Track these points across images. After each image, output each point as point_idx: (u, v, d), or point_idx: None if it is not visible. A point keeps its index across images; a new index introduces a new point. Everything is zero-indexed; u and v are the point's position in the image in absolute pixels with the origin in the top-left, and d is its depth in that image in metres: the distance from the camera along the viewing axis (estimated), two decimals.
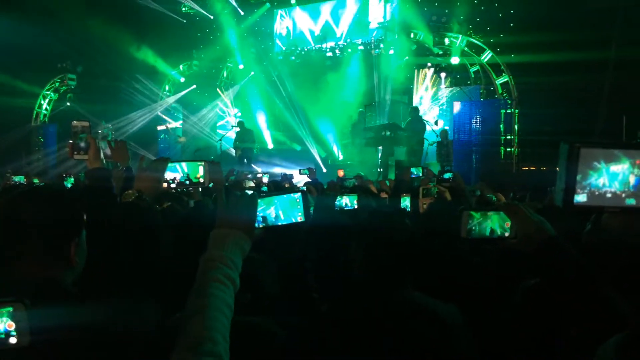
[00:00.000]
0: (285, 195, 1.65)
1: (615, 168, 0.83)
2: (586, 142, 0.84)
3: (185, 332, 1.18)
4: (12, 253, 1.36)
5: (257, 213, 1.55)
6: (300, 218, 1.63)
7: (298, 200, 1.64)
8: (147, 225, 2.00)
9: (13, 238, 1.37)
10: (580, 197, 0.86)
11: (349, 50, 17.66)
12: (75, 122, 2.62)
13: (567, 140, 0.85)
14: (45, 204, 1.42)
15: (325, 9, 18.19)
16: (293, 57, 18.62)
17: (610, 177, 0.84)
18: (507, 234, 1.64)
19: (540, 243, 1.41)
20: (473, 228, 1.69)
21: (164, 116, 18.54)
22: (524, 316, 1.87)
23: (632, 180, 0.84)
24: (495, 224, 1.67)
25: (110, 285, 1.69)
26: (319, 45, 18.51)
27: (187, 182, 2.40)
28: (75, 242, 1.44)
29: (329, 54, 18.41)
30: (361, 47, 17.58)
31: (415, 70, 16.33)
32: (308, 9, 18.45)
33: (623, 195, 0.85)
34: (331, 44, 18.45)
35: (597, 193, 0.85)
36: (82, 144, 2.60)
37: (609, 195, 0.85)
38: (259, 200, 1.55)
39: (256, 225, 1.53)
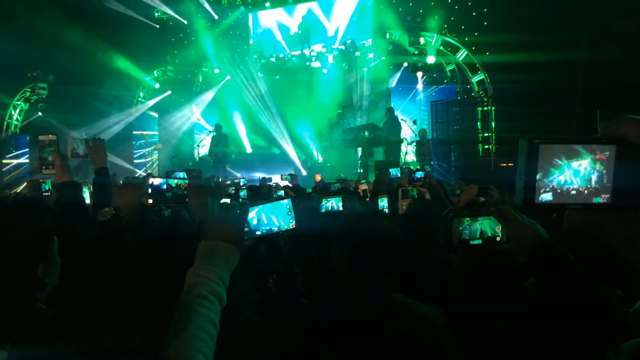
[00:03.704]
0: (274, 203, 1.61)
1: (576, 164, 0.82)
2: (545, 139, 0.81)
3: (166, 351, 1.13)
4: None
5: (247, 223, 1.50)
6: (292, 225, 1.61)
7: (288, 207, 1.61)
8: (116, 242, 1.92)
9: None
10: (547, 196, 0.84)
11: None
12: (42, 136, 2.59)
13: (526, 137, 0.82)
14: (5, 224, 1.34)
15: None
16: (260, 74, 17.64)
17: (573, 173, 0.82)
18: (498, 238, 1.61)
19: (533, 247, 1.38)
20: (463, 231, 1.66)
21: (142, 132, 18.28)
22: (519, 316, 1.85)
23: (594, 176, 0.82)
24: (485, 226, 1.64)
25: (83, 303, 1.62)
26: (298, 52, 16.93)
27: (165, 186, 2.35)
28: (42, 263, 1.36)
29: (316, 63, 16.62)
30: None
31: None
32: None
33: (586, 192, 0.83)
34: (317, 47, 16.58)
35: (559, 191, 0.83)
36: (50, 158, 2.56)
37: (573, 192, 0.84)
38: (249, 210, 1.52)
39: (245, 237, 1.48)
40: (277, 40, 17.87)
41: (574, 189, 0.83)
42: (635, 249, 0.84)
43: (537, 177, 0.82)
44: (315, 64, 17.00)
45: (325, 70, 16.77)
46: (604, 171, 0.82)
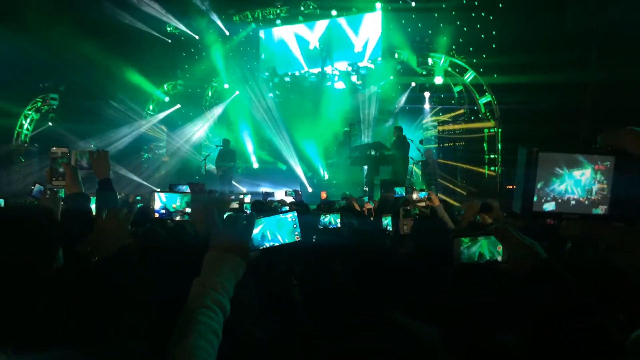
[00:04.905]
0: (279, 220, 1.64)
1: (577, 174, 0.82)
2: (545, 147, 0.81)
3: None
4: None
5: (253, 235, 1.52)
6: (297, 237, 1.63)
7: (294, 224, 1.64)
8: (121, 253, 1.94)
9: None
10: (549, 205, 0.83)
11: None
12: (54, 148, 2.66)
13: (525, 145, 0.83)
14: (16, 233, 1.37)
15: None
16: (273, 93, 17.17)
17: (574, 183, 0.82)
18: (499, 258, 1.62)
19: (532, 267, 1.38)
20: (462, 252, 1.66)
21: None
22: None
23: (595, 186, 0.82)
24: (484, 248, 1.65)
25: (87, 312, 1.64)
26: (317, 70, 15.84)
27: (164, 211, 2.35)
28: (50, 268, 1.41)
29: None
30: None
31: None
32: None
33: (586, 202, 0.83)
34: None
35: (559, 200, 0.83)
36: (61, 170, 2.62)
37: (572, 202, 0.83)
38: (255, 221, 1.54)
39: (252, 248, 1.50)
40: (294, 55, 17.29)
41: (574, 199, 0.82)
42: (632, 261, 0.83)
43: (538, 186, 0.82)
44: (339, 85, 15.61)
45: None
46: (604, 182, 0.82)
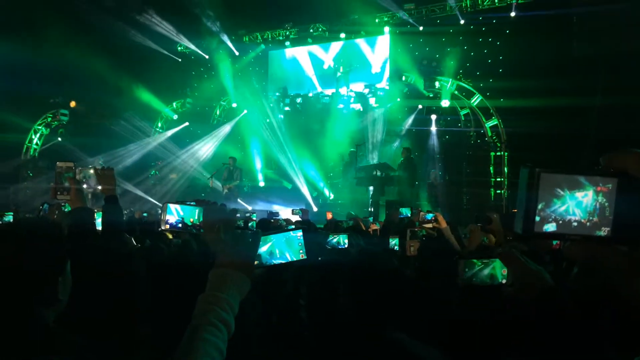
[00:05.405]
0: (287, 238, 1.64)
1: (579, 195, 0.81)
2: (547, 167, 0.81)
3: None
4: None
5: (258, 252, 1.52)
6: (302, 255, 1.63)
7: (299, 237, 1.64)
8: (126, 267, 1.95)
9: None
10: (550, 226, 0.83)
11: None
12: (59, 162, 2.65)
13: (527, 165, 0.83)
14: (26, 245, 1.38)
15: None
16: (283, 113, 17.27)
17: (575, 204, 0.82)
18: (503, 281, 1.62)
19: (536, 294, 1.37)
20: (474, 275, 1.67)
21: (158, 162, 18.44)
22: None
23: (596, 208, 0.82)
24: (497, 270, 1.65)
25: (91, 324, 1.64)
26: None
27: (180, 225, 2.33)
28: (58, 281, 1.41)
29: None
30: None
31: None
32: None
33: (588, 224, 0.82)
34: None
35: (561, 221, 0.83)
36: (66, 184, 2.62)
37: (574, 224, 0.83)
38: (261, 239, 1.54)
39: (259, 265, 1.50)
40: (307, 75, 17.21)
41: (576, 220, 0.81)
42: (635, 286, 0.81)
43: (539, 206, 0.81)
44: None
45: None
46: (606, 204, 0.81)
